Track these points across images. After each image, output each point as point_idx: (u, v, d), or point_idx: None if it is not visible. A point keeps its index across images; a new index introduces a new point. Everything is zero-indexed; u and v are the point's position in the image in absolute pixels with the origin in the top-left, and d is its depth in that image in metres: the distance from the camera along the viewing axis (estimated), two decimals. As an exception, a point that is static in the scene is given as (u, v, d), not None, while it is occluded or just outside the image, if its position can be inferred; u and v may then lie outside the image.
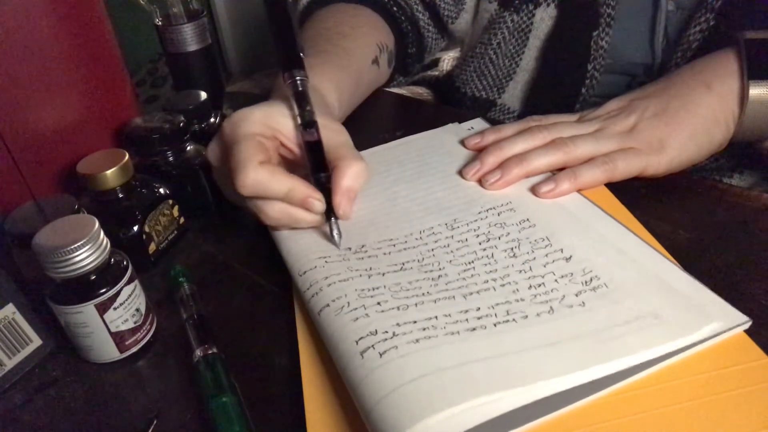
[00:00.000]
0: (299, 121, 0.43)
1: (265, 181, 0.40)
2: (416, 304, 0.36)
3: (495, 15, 0.69)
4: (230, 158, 0.42)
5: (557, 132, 0.48)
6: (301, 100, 0.44)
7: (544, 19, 0.64)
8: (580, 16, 0.61)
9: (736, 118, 0.47)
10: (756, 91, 0.45)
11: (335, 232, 0.42)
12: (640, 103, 0.49)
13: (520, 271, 0.38)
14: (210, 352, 0.36)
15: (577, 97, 0.64)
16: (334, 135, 0.44)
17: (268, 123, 0.43)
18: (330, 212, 0.42)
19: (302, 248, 0.42)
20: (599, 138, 0.47)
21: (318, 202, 0.41)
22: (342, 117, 0.57)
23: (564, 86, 0.65)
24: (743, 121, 0.46)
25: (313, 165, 0.42)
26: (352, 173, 0.41)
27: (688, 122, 0.46)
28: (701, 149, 0.47)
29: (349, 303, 0.36)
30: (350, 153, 0.43)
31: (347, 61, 0.58)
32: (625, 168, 0.46)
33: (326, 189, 0.41)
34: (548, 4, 0.63)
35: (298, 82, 0.45)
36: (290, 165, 0.46)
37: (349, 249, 0.42)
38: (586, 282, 0.37)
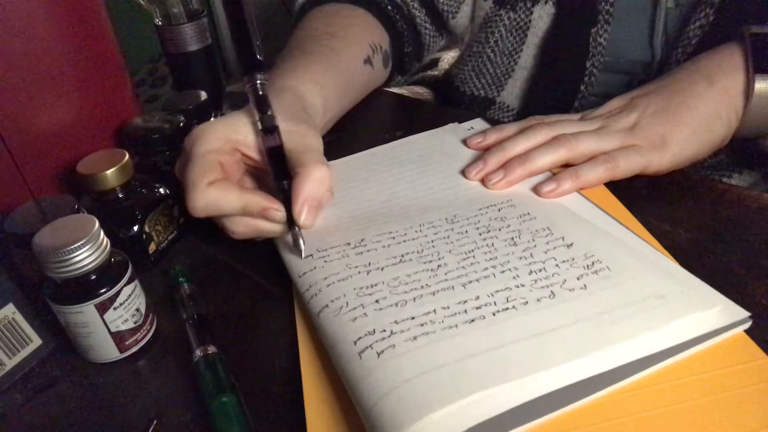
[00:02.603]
0: (260, 126, 0.42)
1: (215, 202, 0.39)
2: (414, 299, 0.36)
3: (491, 13, 0.68)
4: (182, 181, 0.41)
5: (559, 129, 0.48)
6: (262, 105, 0.42)
7: (542, 16, 0.64)
8: (578, 13, 0.61)
9: (739, 112, 0.47)
10: (762, 84, 0.45)
11: (299, 242, 0.40)
12: (641, 100, 0.49)
13: (521, 258, 0.38)
14: (210, 352, 0.36)
15: (576, 94, 0.64)
16: (298, 139, 0.42)
17: (229, 135, 0.42)
18: (292, 221, 0.40)
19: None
20: (602, 134, 0.47)
21: (278, 212, 0.40)
22: (332, 118, 0.56)
23: (563, 84, 0.65)
24: (747, 115, 0.46)
25: (275, 172, 0.41)
26: (313, 180, 0.40)
27: (690, 118, 0.46)
28: (703, 145, 0.47)
29: (347, 303, 0.36)
30: (313, 158, 0.41)
31: (336, 61, 0.57)
32: (627, 166, 0.46)
33: (290, 197, 0.40)
34: (546, 2, 0.63)
35: (258, 85, 0.43)
36: (261, 174, 0.45)
37: (348, 244, 0.42)
38: (587, 266, 0.37)
